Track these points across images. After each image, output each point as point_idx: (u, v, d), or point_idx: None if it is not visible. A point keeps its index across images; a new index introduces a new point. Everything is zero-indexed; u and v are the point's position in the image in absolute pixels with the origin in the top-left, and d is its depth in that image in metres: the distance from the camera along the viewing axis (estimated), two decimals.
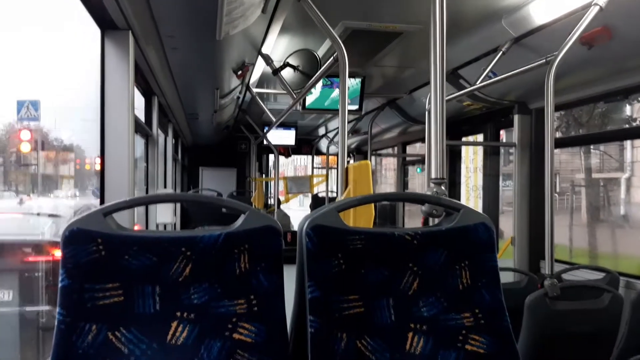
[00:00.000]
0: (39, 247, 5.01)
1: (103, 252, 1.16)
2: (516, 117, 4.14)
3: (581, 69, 3.19)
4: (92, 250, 1.15)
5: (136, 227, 3.90)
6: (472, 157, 10.78)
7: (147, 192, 4.49)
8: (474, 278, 1.29)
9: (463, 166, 7.18)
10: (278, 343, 1.19)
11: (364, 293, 1.25)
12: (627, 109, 7.45)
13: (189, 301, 1.18)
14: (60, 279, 1.15)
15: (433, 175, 1.56)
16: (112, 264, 1.16)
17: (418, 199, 1.50)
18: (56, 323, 1.13)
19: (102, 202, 2.34)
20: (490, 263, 1.31)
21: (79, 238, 1.16)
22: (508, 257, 4.25)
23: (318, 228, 1.25)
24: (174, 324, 1.17)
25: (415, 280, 1.28)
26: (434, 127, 1.62)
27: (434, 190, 1.53)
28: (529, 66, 2.92)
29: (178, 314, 1.17)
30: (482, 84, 3.37)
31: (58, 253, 4.70)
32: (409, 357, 1.23)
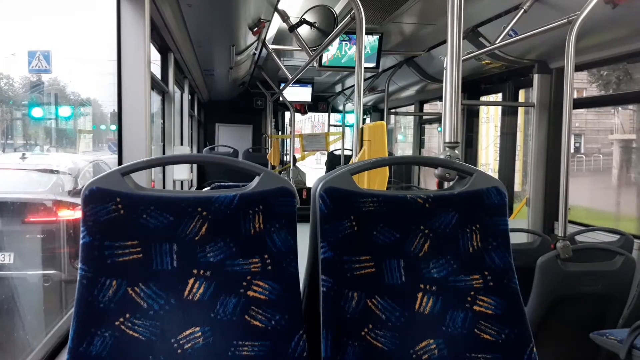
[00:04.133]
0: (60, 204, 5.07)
1: (122, 210, 1.19)
2: (536, 77, 4.07)
3: (604, 29, 3.10)
4: (111, 209, 1.19)
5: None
6: (491, 115, 10.63)
7: (163, 148, 4.53)
8: (484, 241, 1.31)
9: (480, 124, 7.07)
10: (291, 300, 1.23)
11: (375, 254, 1.28)
12: None
13: (205, 259, 1.21)
14: (81, 235, 1.18)
15: (447, 139, 1.56)
16: (130, 223, 1.19)
17: (431, 163, 1.50)
18: (78, 278, 1.18)
19: (119, 158, 2.37)
20: (501, 226, 1.32)
21: (98, 197, 1.19)
22: (523, 218, 4.25)
23: (331, 190, 1.26)
24: (191, 281, 1.20)
25: (426, 243, 1.29)
26: (450, 86, 1.60)
27: (448, 153, 1.53)
28: (551, 25, 2.85)
29: (195, 271, 1.21)
30: (502, 42, 3.30)
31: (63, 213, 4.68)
32: (418, 316, 1.27)
